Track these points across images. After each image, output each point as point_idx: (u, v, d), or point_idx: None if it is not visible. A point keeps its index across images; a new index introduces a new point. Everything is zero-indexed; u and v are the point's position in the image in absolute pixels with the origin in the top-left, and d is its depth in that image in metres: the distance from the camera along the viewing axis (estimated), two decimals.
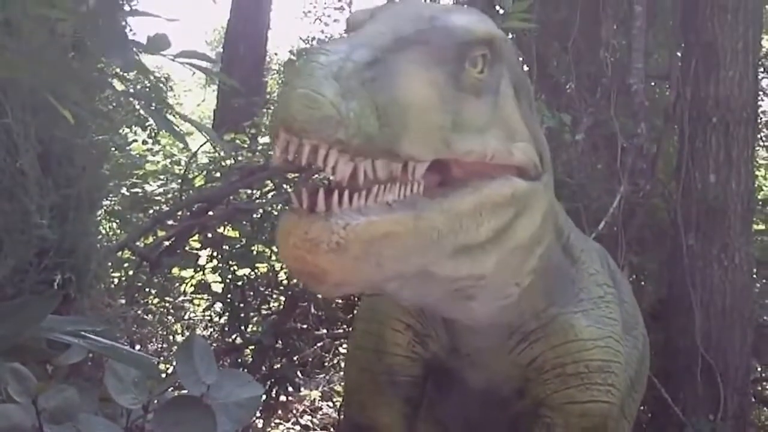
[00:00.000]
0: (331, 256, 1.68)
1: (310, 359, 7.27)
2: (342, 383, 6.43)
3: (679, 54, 6.96)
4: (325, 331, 7.24)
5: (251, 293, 6.82)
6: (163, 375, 3.20)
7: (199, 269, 6.91)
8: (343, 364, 6.40)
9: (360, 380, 3.35)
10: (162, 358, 6.38)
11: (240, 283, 6.72)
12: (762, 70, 8.18)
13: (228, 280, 6.70)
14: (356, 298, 5.83)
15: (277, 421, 6.74)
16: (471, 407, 3.32)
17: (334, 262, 1.69)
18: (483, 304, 2.59)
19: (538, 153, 2.42)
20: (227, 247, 6.76)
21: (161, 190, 7.55)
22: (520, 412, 3.12)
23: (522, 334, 2.97)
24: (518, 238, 2.33)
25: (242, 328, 6.70)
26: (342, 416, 3.71)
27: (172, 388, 2.95)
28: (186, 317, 7.71)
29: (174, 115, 3.20)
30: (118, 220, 7.31)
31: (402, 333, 3.19)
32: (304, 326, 6.98)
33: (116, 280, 6.37)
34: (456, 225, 2.00)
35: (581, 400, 2.96)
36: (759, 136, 8.25)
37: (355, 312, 4.05)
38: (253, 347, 6.61)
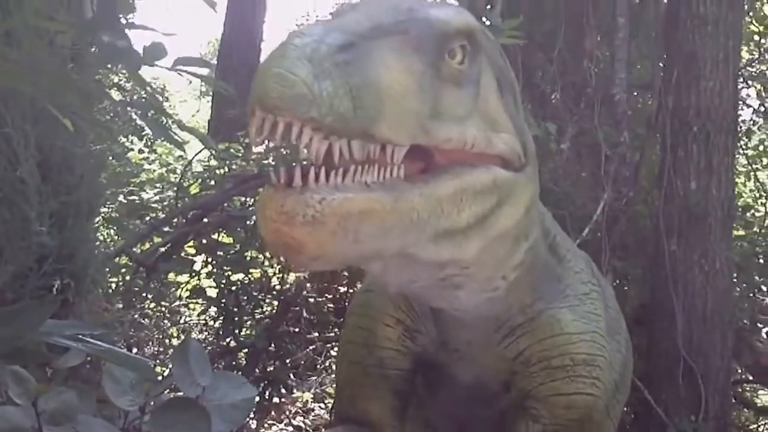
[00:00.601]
0: (307, 228, 1.71)
1: (303, 362, 7.26)
2: (334, 385, 6.48)
3: (661, 64, 7.02)
4: (316, 334, 7.26)
5: (245, 298, 6.86)
6: (160, 377, 3.21)
7: (194, 274, 6.94)
8: (334, 367, 6.43)
9: (351, 374, 3.37)
10: (158, 361, 6.43)
11: (234, 288, 6.76)
12: (742, 80, 8.21)
13: (222, 285, 6.75)
14: (347, 302, 5.92)
15: (270, 422, 6.73)
16: (459, 404, 3.35)
17: (310, 234, 1.72)
18: (469, 294, 2.62)
19: (522, 145, 2.43)
20: (222, 253, 6.79)
21: (157, 197, 7.52)
22: (507, 407, 3.14)
23: (509, 328, 2.99)
24: (501, 226, 2.35)
25: (236, 331, 6.77)
26: (332, 415, 3.73)
27: (168, 390, 2.91)
28: (181, 321, 7.70)
29: (172, 124, 3.26)
30: (115, 227, 7.36)
31: (392, 327, 3.21)
32: (297, 330, 7.01)
33: (114, 285, 6.41)
34: (437, 209, 2.03)
35: (567, 392, 2.98)
36: (739, 144, 8.28)
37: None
38: (246, 350, 6.67)
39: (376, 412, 3.28)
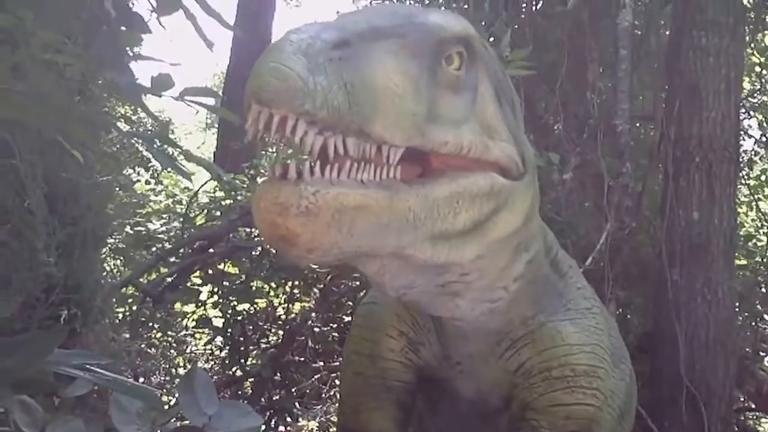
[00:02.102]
0: (301, 219, 1.73)
1: (308, 391, 7.28)
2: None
3: (663, 95, 7.03)
4: (322, 363, 7.28)
5: (251, 327, 6.89)
6: (166, 406, 3.22)
7: (200, 304, 6.96)
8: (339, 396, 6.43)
9: (354, 384, 3.40)
10: (165, 390, 6.45)
11: (240, 318, 6.80)
12: (744, 110, 8.24)
13: (228, 315, 6.78)
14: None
15: None
16: (462, 421, 3.38)
17: (304, 225, 1.74)
18: (469, 303, 2.67)
19: (520, 154, 2.45)
20: (227, 283, 6.82)
21: (164, 228, 7.53)
22: (509, 424, 3.16)
23: (510, 340, 3.02)
24: (499, 232, 2.38)
25: (242, 361, 6.80)
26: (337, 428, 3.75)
27: (174, 419, 2.86)
28: (188, 351, 7.73)
29: (178, 154, 3.28)
30: (122, 258, 7.38)
31: (396, 339, 3.25)
32: (302, 359, 7.03)
33: (120, 315, 6.45)
34: (433, 211, 2.06)
35: (567, 402, 3.00)
36: (741, 174, 8.30)
37: None
38: (252, 379, 6.70)
39: (378, 423, 3.31)
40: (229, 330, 6.80)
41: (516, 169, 2.43)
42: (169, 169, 3.03)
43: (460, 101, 2.16)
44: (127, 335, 6.27)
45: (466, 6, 7.37)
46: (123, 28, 2.89)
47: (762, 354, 7.23)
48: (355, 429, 3.39)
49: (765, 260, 8.20)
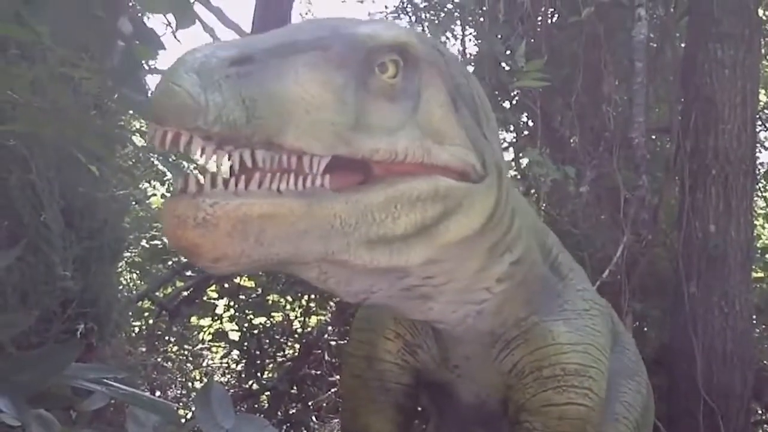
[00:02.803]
0: (199, 230, 1.72)
1: (325, 404, 7.27)
2: None
3: (679, 108, 7.03)
4: (338, 377, 7.24)
5: (267, 341, 6.91)
6: (183, 420, 3.22)
7: (216, 318, 6.98)
8: None
9: (353, 387, 3.41)
10: (181, 404, 6.48)
11: (256, 331, 6.82)
12: (760, 123, 8.23)
13: (244, 329, 6.81)
14: None
15: None
16: (465, 425, 3.40)
17: (203, 236, 1.73)
18: (447, 306, 2.66)
19: (479, 157, 2.41)
20: (243, 297, 6.84)
21: None
22: (508, 426, 3.14)
23: (504, 342, 3.01)
24: (452, 236, 2.33)
25: (258, 374, 6.82)
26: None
27: None
28: (204, 364, 7.76)
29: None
30: (138, 272, 7.43)
31: (392, 341, 3.25)
32: (318, 372, 7.03)
33: (137, 329, 6.50)
34: (366, 216, 2.04)
35: (558, 402, 2.97)
36: (757, 186, 8.30)
37: None
38: (269, 393, 6.71)
39: (377, 426, 3.32)
40: (246, 343, 6.82)
41: (474, 172, 2.39)
42: None
43: (395, 108, 2.13)
44: (144, 349, 6.31)
45: (482, 19, 7.38)
46: (138, 42, 2.90)
47: None
48: (356, 431, 3.39)
49: None
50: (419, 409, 4.07)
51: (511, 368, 3.04)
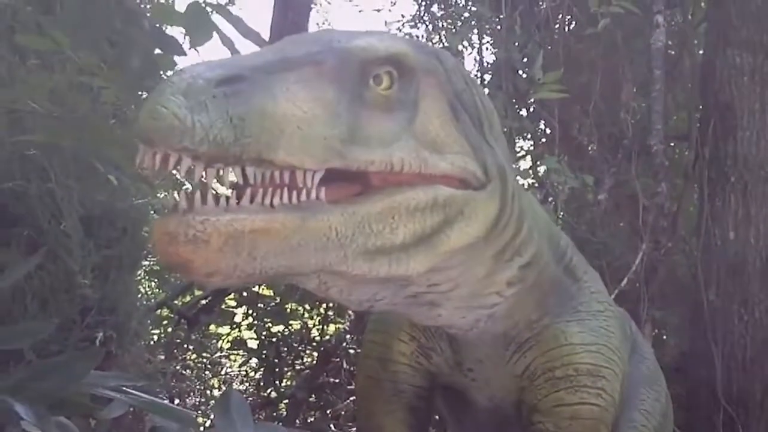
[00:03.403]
0: (190, 246, 1.73)
1: (343, 412, 7.26)
2: None
3: (697, 115, 7.00)
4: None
5: (285, 349, 6.91)
6: (202, 428, 3.21)
7: (235, 326, 6.99)
8: None
9: (367, 388, 3.40)
10: (200, 412, 6.47)
11: (274, 340, 6.82)
12: None
13: (263, 337, 6.81)
14: None
15: None
16: (481, 430, 3.41)
17: (195, 252, 1.74)
18: (455, 312, 2.66)
19: (480, 164, 2.40)
20: (262, 305, 6.83)
21: None
22: (522, 429, 3.13)
23: (517, 344, 3.00)
24: (453, 243, 2.31)
25: (277, 382, 6.83)
26: None
27: None
28: (223, 372, 7.77)
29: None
30: (157, 280, 7.43)
31: (406, 343, 3.24)
32: (337, 380, 7.02)
33: (156, 337, 6.50)
34: (364, 228, 2.04)
35: (570, 402, 2.95)
36: None
37: None
38: (287, 401, 6.70)
39: (390, 427, 3.31)
40: (264, 352, 6.83)
41: (474, 179, 2.38)
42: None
43: (391, 120, 2.13)
44: (163, 357, 6.32)
45: (499, 27, 7.39)
46: (158, 51, 2.91)
47: None
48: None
49: None
50: (436, 417, 4.07)
51: (523, 370, 3.03)
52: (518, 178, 6.86)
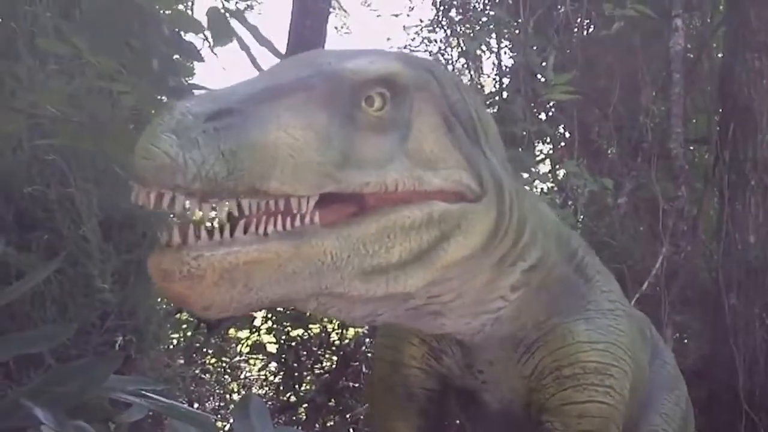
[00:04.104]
0: (185, 282, 1.73)
1: (362, 416, 7.26)
2: None
3: (717, 118, 7.00)
4: None
5: (305, 353, 6.91)
6: None
7: (254, 330, 6.98)
8: None
9: (379, 391, 3.41)
10: (219, 416, 6.48)
11: (294, 344, 6.81)
12: None
13: (282, 341, 6.80)
14: None
15: None
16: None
17: (190, 288, 1.74)
18: (460, 320, 2.66)
19: (475, 176, 2.38)
20: (281, 309, 6.86)
21: None
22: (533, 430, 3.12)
23: (525, 345, 2.99)
24: (451, 257, 2.30)
25: (296, 386, 6.81)
26: None
27: None
28: (242, 376, 7.77)
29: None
30: None
31: (417, 347, 3.23)
32: (356, 384, 7.02)
33: (175, 341, 6.51)
34: (359, 249, 2.03)
35: (578, 400, 2.94)
36: None
37: None
38: (306, 405, 6.70)
39: (402, 430, 3.31)
40: (283, 356, 6.82)
41: (469, 192, 2.36)
42: None
43: (384, 140, 2.11)
44: (182, 361, 6.32)
45: (517, 31, 7.38)
46: (176, 56, 2.92)
47: None
48: None
49: None
50: (457, 421, 4.06)
51: (532, 371, 3.02)
52: (537, 182, 6.90)
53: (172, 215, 1.90)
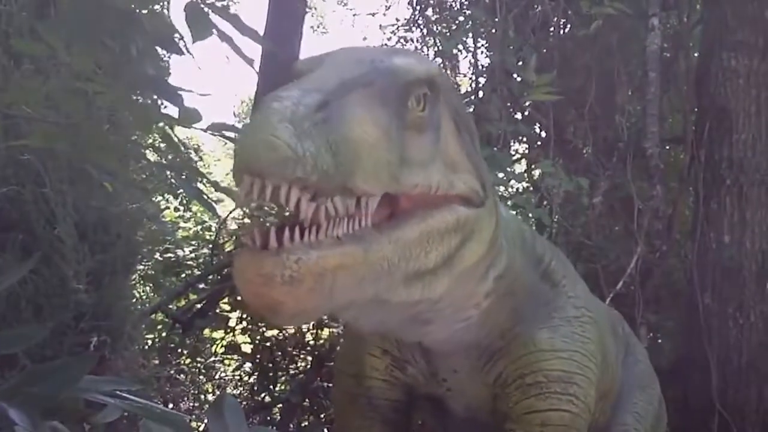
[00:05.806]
0: (286, 288, 1.70)
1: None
2: None
3: (693, 118, 7.02)
4: None
5: (279, 353, 6.89)
6: None
7: (229, 330, 6.96)
8: None
9: (342, 403, 3.42)
10: (194, 417, 6.45)
11: (269, 344, 6.79)
12: None
13: (257, 341, 6.78)
14: None
15: None
16: None
17: (289, 293, 1.71)
18: (440, 327, 2.66)
19: (479, 181, 2.42)
20: None
21: (193, 255, 7.60)
22: None
23: (489, 354, 3.01)
24: (466, 262, 2.35)
25: (271, 387, 6.79)
26: None
27: None
28: (217, 377, 7.74)
29: (205, 183, 3.29)
30: (151, 284, 7.44)
31: (379, 358, 3.24)
32: (331, 385, 7.04)
33: (150, 342, 6.50)
34: (406, 253, 2.03)
35: (541, 408, 2.96)
36: None
37: None
38: (281, 405, 6.68)
39: None
40: (258, 356, 6.80)
41: (477, 197, 2.40)
42: (194, 201, 3.02)
43: (425, 141, 2.13)
44: (157, 361, 6.31)
45: (494, 30, 7.39)
46: (157, 48, 2.89)
47: None
48: None
49: None
50: (419, 422, 4.07)
51: (495, 378, 3.04)
52: (512, 182, 6.91)
53: (259, 218, 1.87)
